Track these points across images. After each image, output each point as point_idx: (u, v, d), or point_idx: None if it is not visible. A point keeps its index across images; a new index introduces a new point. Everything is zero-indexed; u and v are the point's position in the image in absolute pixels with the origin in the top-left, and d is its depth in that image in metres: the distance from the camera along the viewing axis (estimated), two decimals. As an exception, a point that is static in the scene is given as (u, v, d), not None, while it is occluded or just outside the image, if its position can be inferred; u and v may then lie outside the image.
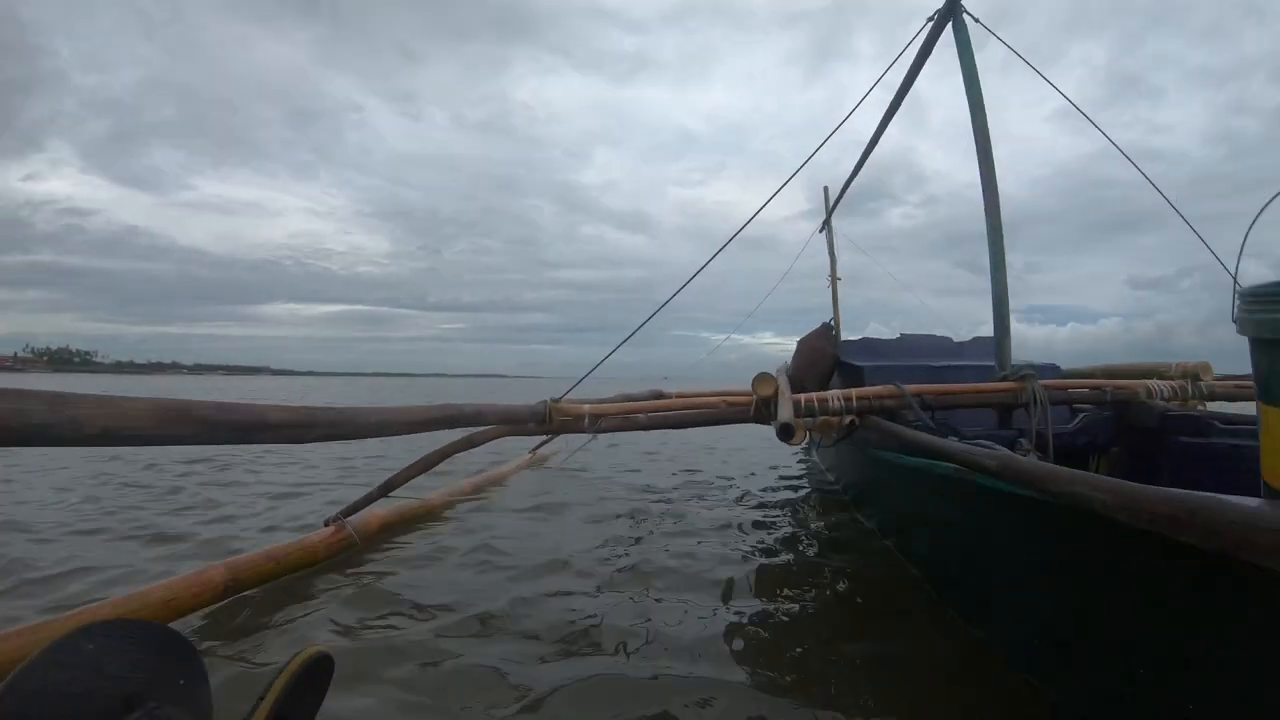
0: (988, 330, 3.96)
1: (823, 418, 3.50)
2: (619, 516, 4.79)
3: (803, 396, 3.48)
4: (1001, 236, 3.89)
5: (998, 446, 2.08)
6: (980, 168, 3.95)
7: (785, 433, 3.10)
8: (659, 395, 7.12)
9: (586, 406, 3.79)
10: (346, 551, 3.68)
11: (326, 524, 3.78)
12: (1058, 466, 1.57)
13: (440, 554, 3.77)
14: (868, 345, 5.26)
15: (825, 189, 9.41)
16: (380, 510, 4.16)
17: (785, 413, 3.12)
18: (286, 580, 3.21)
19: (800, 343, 5.11)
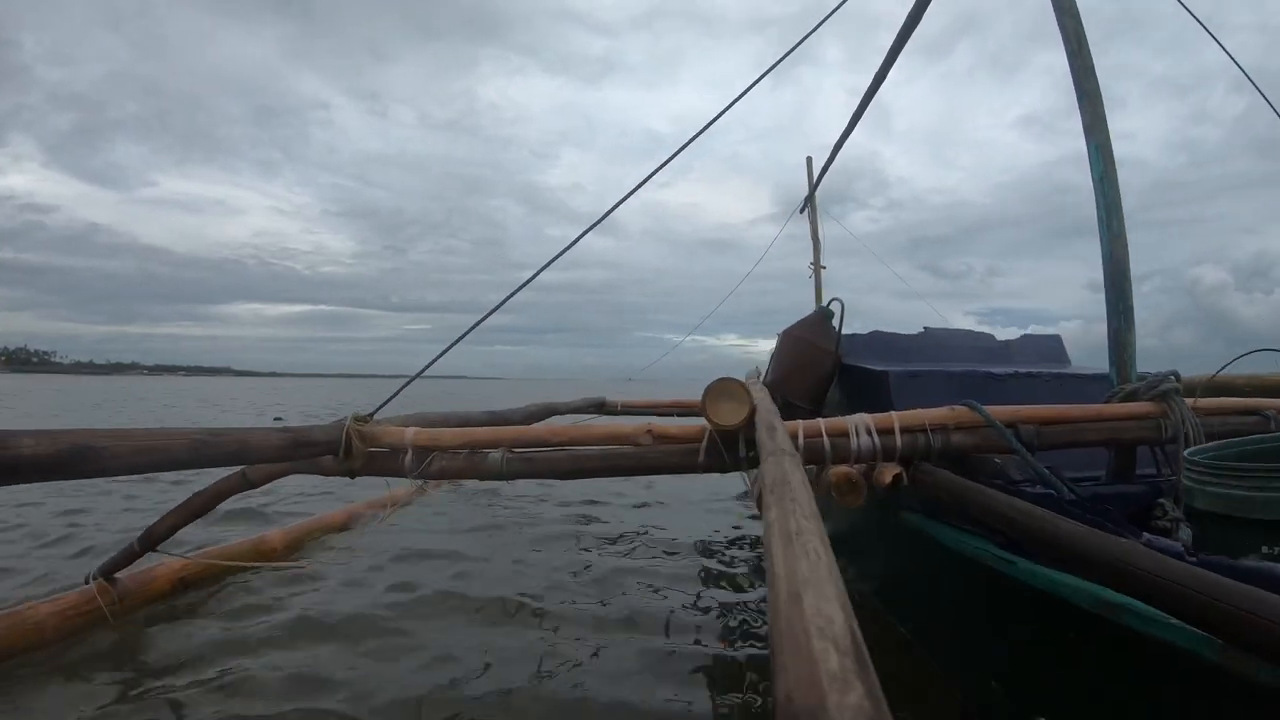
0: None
1: (841, 470, 1.80)
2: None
3: (800, 427, 1.80)
4: (1117, 188, 2.50)
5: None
6: (1078, 94, 2.61)
7: None
8: (601, 405, 5.63)
9: (409, 432, 2.16)
10: (92, 628, 2.63)
11: (88, 581, 2.77)
12: None
13: (239, 642, 2.59)
14: (883, 342, 3.52)
15: (809, 159, 7.79)
16: (175, 563, 3.04)
17: (785, 441, 1.36)
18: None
19: (784, 336, 3.36)
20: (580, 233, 2.84)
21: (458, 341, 2.52)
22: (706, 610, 2.97)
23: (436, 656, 2.48)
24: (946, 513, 1.95)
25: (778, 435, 1.29)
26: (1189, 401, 2.09)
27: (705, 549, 4.05)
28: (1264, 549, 1.29)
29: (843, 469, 1.79)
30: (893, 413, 1.88)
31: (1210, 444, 1.68)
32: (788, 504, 0.68)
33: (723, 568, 3.64)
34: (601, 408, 5.36)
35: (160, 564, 2.99)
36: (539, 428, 2.13)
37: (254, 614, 2.84)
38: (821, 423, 1.83)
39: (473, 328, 2.57)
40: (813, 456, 1.80)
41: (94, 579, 2.76)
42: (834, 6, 3.36)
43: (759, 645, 2.58)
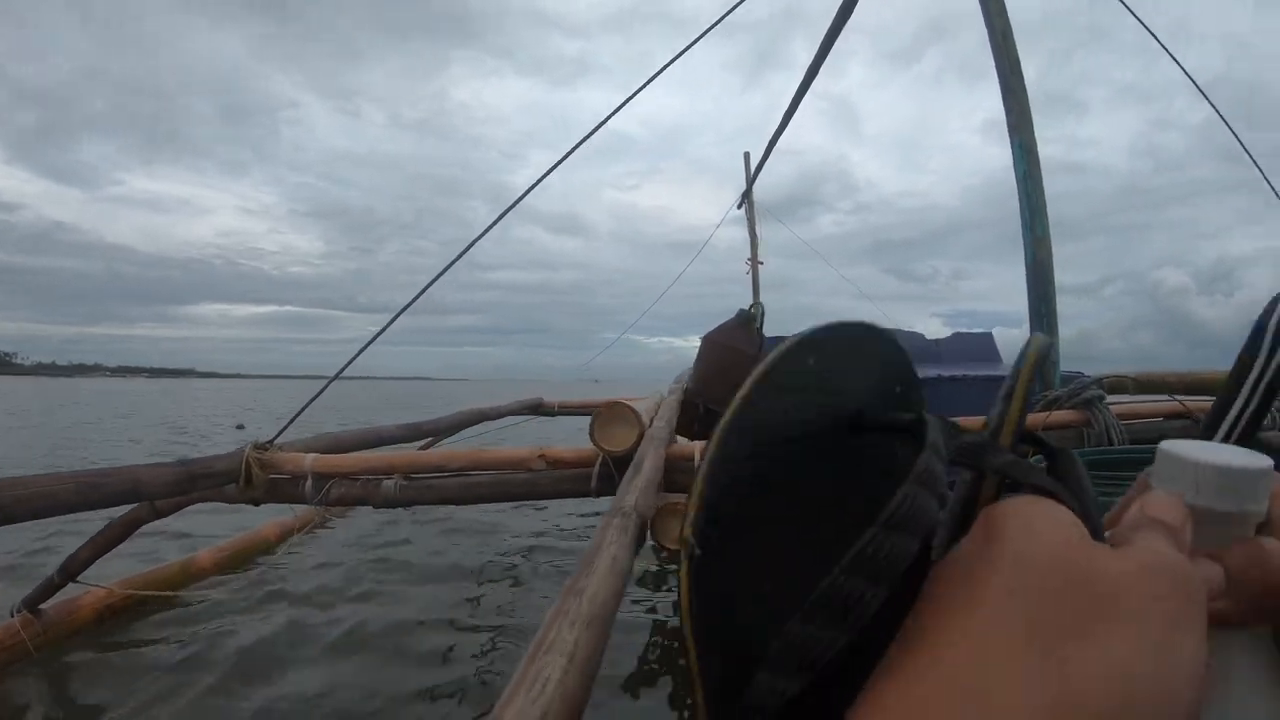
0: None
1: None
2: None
3: (696, 449, 1.76)
4: (1042, 188, 2.51)
5: None
6: (1003, 91, 2.63)
7: None
8: (538, 406, 5.54)
9: (308, 459, 2.12)
10: (16, 663, 2.54)
11: (13, 614, 2.66)
12: None
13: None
14: None
15: (746, 155, 7.73)
16: (100, 592, 2.91)
17: (638, 492, 1.31)
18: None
19: (706, 341, 3.33)
20: (496, 217, 2.72)
21: (365, 348, 2.47)
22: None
23: (371, 687, 2.39)
24: None
25: (638, 479, 1.24)
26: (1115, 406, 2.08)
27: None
28: None
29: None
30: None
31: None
32: (569, 601, 0.63)
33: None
34: (538, 409, 5.28)
35: (86, 593, 2.90)
36: (434, 454, 2.08)
37: (180, 642, 2.72)
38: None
39: (379, 333, 2.50)
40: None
41: (18, 612, 2.66)
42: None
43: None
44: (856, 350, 0.39)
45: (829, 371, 0.37)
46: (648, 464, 1.42)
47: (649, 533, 1.71)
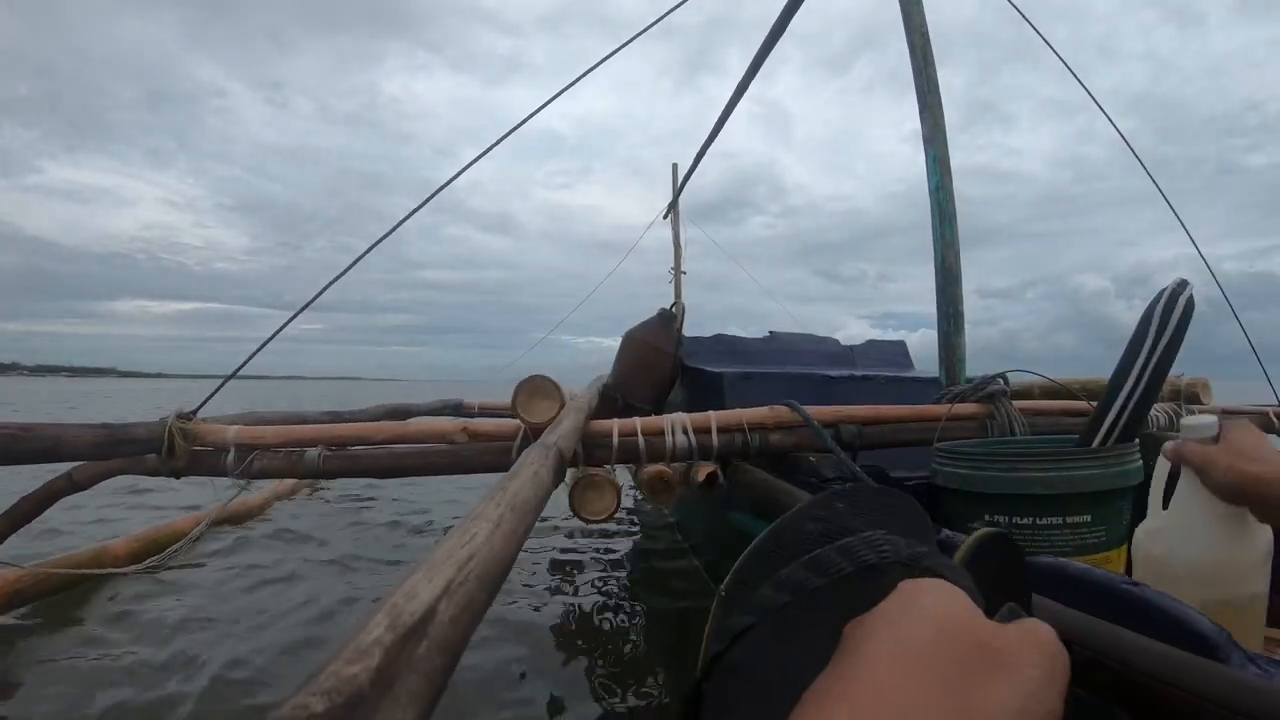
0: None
1: (654, 469, 1.85)
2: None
3: (615, 426, 1.84)
4: (952, 197, 2.61)
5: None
6: (920, 107, 2.75)
7: None
8: (458, 407, 5.52)
9: (232, 430, 2.09)
10: None
11: None
12: None
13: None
14: (725, 345, 3.60)
15: (674, 166, 7.87)
16: (10, 574, 2.75)
17: (559, 435, 1.38)
18: None
19: (626, 338, 3.41)
20: (409, 212, 2.71)
21: (272, 338, 2.43)
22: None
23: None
24: (769, 514, 2.01)
25: (559, 430, 1.31)
26: (1020, 403, 2.19)
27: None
28: (986, 517, 1.49)
29: (655, 468, 1.83)
30: (710, 413, 1.93)
31: (967, 441, 1.91)
32: (495, 494, 0.69)
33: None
34: (459, 409, 5.28)
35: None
36: (359, 425, 2.09)
37: (93, 629, 2.64)
38: (637, 422, 1.87)
39: (279, 330, 2.47)
40: (628, 455, 1.84)
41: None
42: (668, 14, 3.35)
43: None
44: (882, 505, 0.54)
45: (850, 515, 0.51)
46: (569, 420, 1.49)
47: (569, 501, 1.79)
